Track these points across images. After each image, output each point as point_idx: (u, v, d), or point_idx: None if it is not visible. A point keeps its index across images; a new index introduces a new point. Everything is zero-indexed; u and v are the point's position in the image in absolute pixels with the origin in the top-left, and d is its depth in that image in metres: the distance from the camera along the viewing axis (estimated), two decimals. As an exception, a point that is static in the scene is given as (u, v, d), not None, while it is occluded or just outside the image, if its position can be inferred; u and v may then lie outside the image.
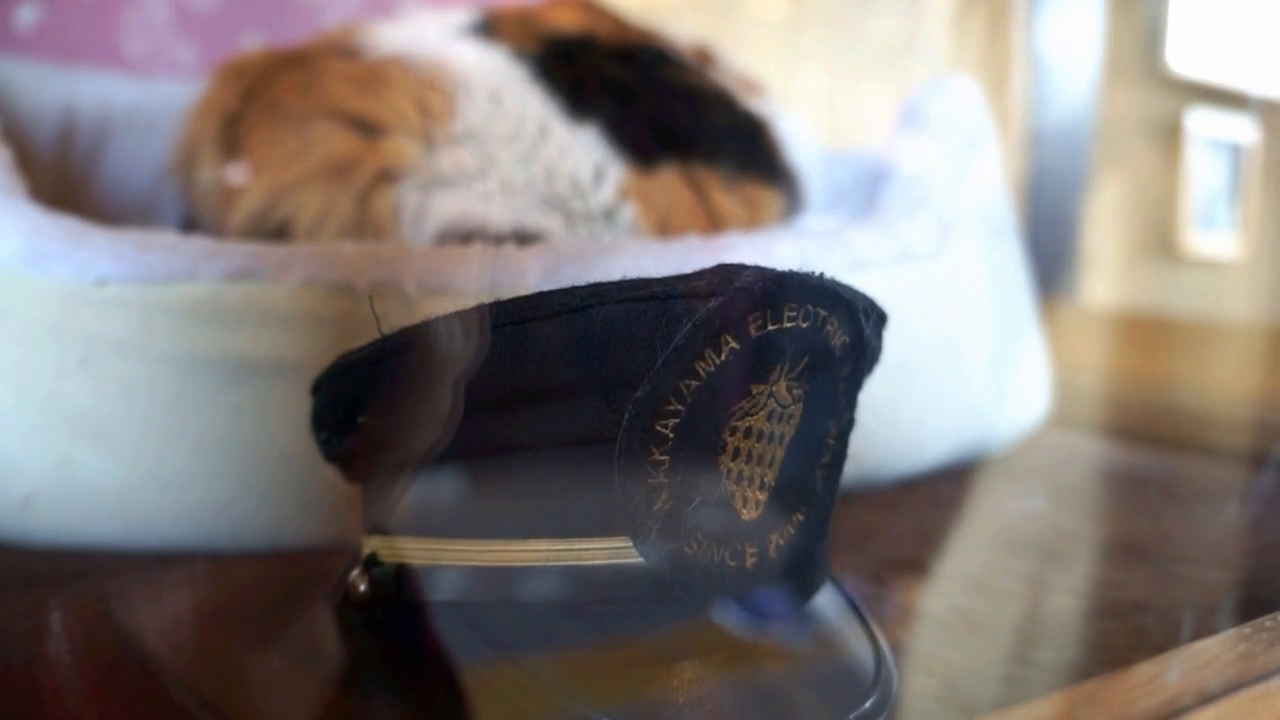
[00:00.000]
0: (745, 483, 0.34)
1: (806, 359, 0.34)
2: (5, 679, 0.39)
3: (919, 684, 0.39)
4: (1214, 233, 1.98)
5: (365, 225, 0.67)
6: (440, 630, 0.36)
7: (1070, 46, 1.72)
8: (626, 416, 0.32)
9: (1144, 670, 0.35)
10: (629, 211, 0.72)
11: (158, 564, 0.52)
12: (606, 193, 0.72)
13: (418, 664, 0.39)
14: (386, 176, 0.68)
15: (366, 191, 0.68)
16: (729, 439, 0.33)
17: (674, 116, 0.77)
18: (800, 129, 0.88)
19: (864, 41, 1.57)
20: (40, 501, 0.53)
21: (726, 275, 0.32)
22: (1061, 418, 0.93)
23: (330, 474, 0.44)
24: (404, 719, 0.37)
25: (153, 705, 0.37)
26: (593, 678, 0.34)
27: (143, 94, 0.91)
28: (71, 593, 0.48)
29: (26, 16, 0.98)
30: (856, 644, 0.38)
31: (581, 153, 0.72)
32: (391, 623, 0.39)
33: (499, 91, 0.73)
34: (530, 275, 0.55)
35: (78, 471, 0.52)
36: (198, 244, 0.54)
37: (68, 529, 0.53)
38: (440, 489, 0.36)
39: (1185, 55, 1.87)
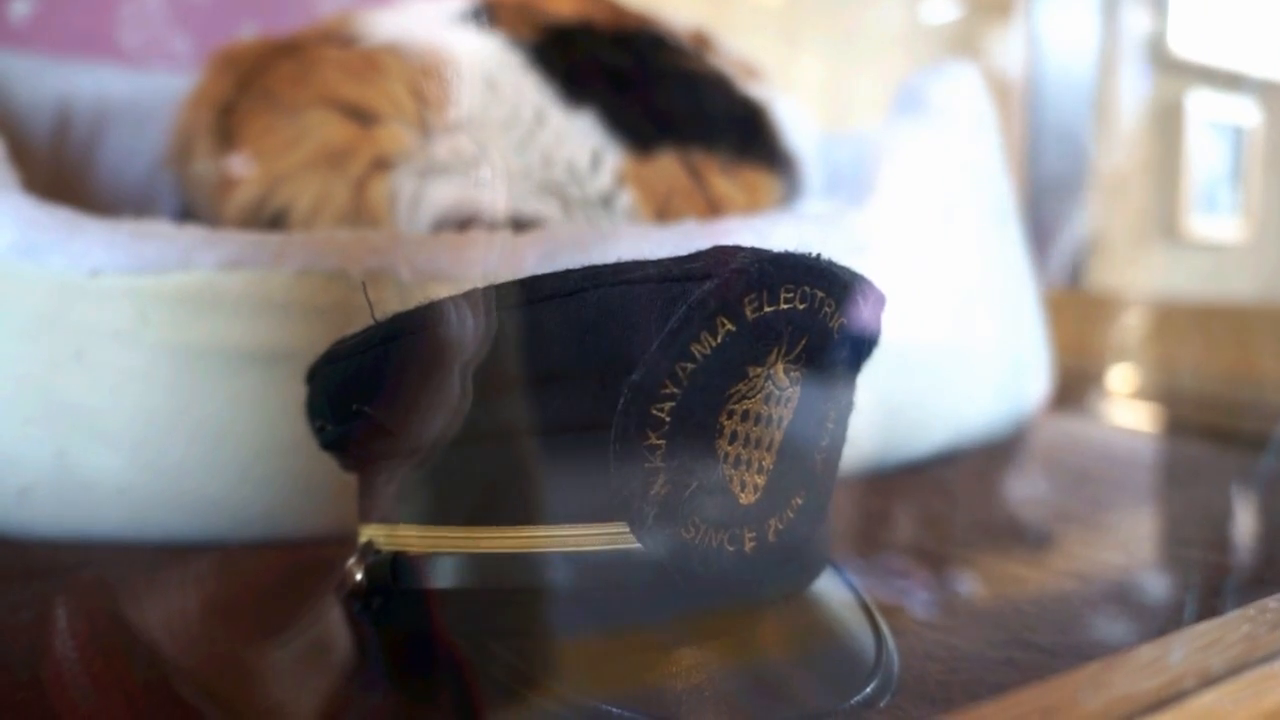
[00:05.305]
0: (743, 467, 0.34)
1: (804, 341, 0.33)
2: (6, 671, 0.39)
3: (920, 668, 0.39)
4: (1216, 216, 1.98)
5: (361, 213, 0.67)
6: (438, 618, 0.36)
7: (1071, 30, 1.71)
8: (622, 400, 0.32)
9: (1147, 652, 0.34)
10: (627, 197, 0.72)
11: (157, 555, 0.52)
12: (604, 179, 0.72)
13: (415, 652, 0.39)
14: (382, 164, 0.68)
15: (362, 179, 0.67)
16: (726, 423, 0.33)
17: (672, 102, 0.76)
18: (799, 112, 0.88)
19: (863, 25, 1.56)
20: (38, 493, 0.53)
21: (722, 257, 0.32)
22: (1063, 401, 0.92)
23: (328, 463, 0.44)
24: (402, 707, 0.37)
25: (154, 695, 0.37)
26: (592, 664, 0.34)
27: (138, 85, 0.91)
28: (71, 584, 0.48)
29: (21, 9, 0.97)
30: (857, 629, 0.38)
31: (578, 139, 0.72)
32: (388, 611, 0.38)
33: (494, 78, 0.72)
34: (527, 262, 0.55)
35: (75, 463, 0.52)
36: (193, 233, 0.54)
37: (66, 521, 0.53)
38: (437, 476, 0.36)
39: (1187, 38, 1.86)
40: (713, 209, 0.73)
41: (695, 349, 0.31)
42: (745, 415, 0.33)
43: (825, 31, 1.53)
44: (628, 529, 0.33)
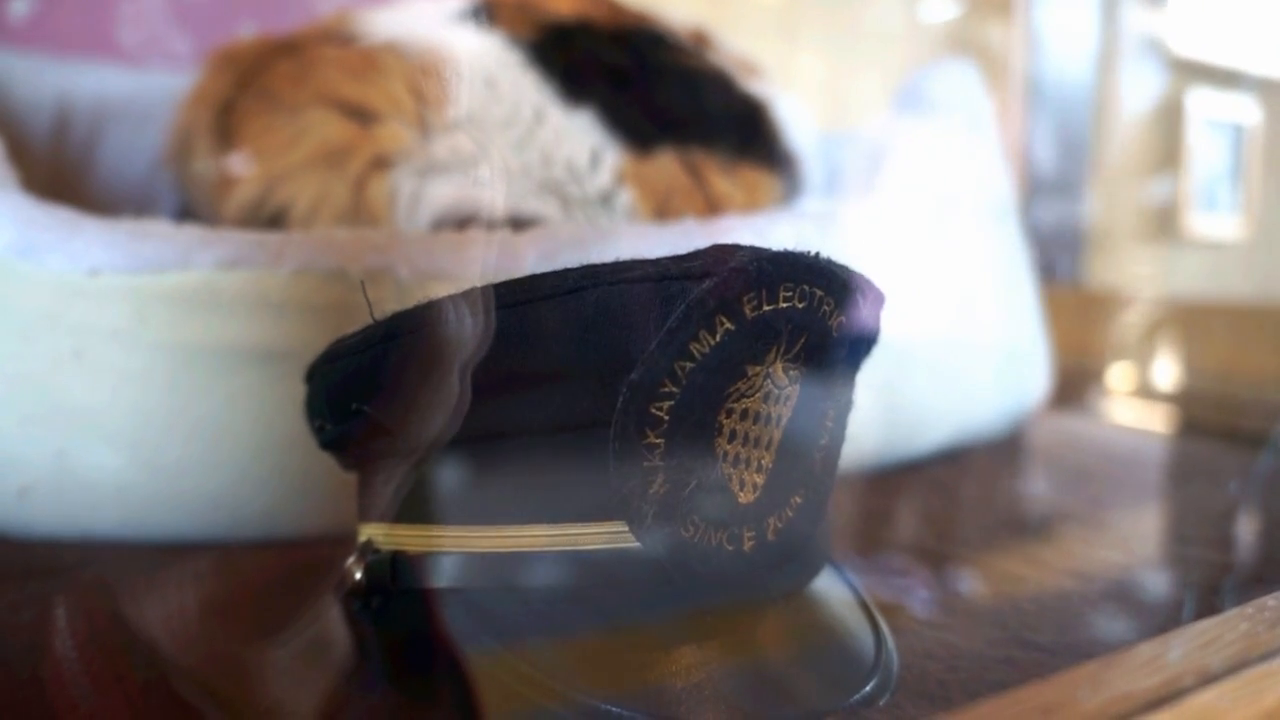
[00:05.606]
0: (742, 465, 0.34)
1: (803, 340, 0.33)
2: (5, 670, 0.39)
3: (920, 667, 0.39)
4: (1216, 213, 1.97)
5: (361, 212, 0.67)
6: (438, 617, 0.36)
7: (1071, 27, 1.71)
8: (621, 399, 0.32)
9: (1145, 650, 0.34)
10: (626, 196, 0.72)
11: (156, 554, 0.52)
12: (603, 177, 0.72)
13: (415, 651, 0.39)
14: (381, 163, 0.68)
15: (362, 178, 0.67)
16: (725, 421, 0.33)
17: (671, 100, 0.76)
18: (799, 110, 0.88)
19: (862, 24, 1.56)
20: (37, 493, 0.53)
21: (721, 255, 0.32)
22: (1062, 399, 0.92)
23: (327, 462, 0.44)
24: (402, 706, 0.37)
25: (154, 695, 0.37)
26: (592, 663, 0.34)
27: (138, 84, 0.91)
28: (71, 583, 0.48)
29: (21, 8, 0.97)
30: (857, 627, 0.38)
31: (578, 137, 0.72)
32: (387, 610, 0.38)
33: (494, 77, 0.72)
34: (526, 260, 0.55)
35: (74, 462, 0.52)
36: (191, 233, 0.54)
37: (65, 520, 0.53)
38: (436, 475, 0.36)
39: (1187, 35, 1.86)
40: (712, 208, 0.73)
41: (694, 348, 0.31)
42: (744, 414, 0.33)
43: (825, 30, 1.53)
44: (627, 528, 0.33)
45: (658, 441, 0.32)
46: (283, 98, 0.70)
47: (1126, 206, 1.91)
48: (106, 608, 0.46)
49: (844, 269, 0.35)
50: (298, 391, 0.42)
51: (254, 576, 0.50)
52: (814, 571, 0.38)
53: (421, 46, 0.73)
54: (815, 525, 0.37)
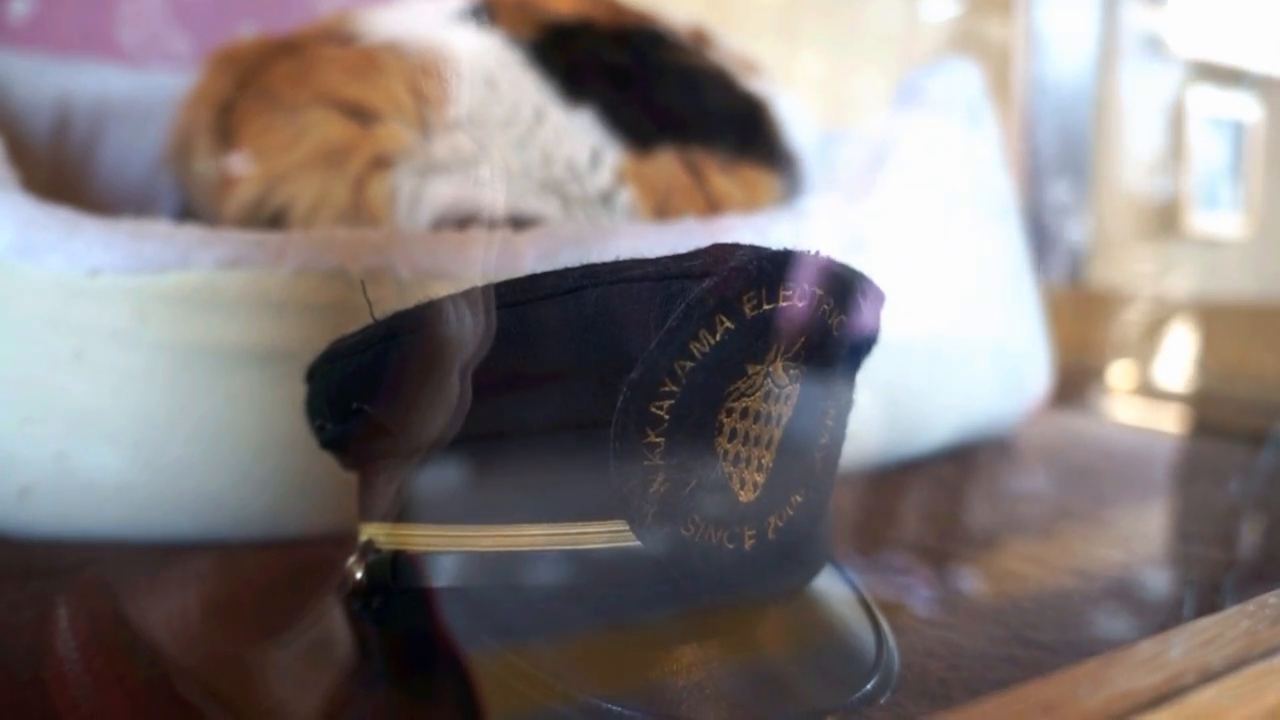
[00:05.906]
0: (743, 464, 0.34)
1: (804, 339, 0.33)
2: (6, 670, 0.39)
3: (921, 665, 0.39)
4: (1217, 212, 1.97)
5: (361, 212, 0.67)
6: (438, 616, 0.36)
7: (1071, 26, 1.71)
8: (621, 398, 0.32)
9: (1147, 648, 0.34)
10: (626, 195, 0.72)
11: (157, 554, 0.52)
12: (603, 176, 0.72)
13: (416, 651, 0.39)
14: (381, 163, 0.68)
15: (362, 178, 0.67)
16: (725, 420, 0.33)
17: (671, 99, 0.76)
18: (799, 109, 0.88)
19: (863, 22, 1.56)
20: (38, 493, 0.53)
21: (721, 254, 0.32)
22: (1063, 398, 0.92)
23: (328, 461, 0.44)
24: (403, 706, 0.37)
25: (155, 694, 0.37)
26: (592, 662, 0.34)
27: (138, 84, 0.91)
28: (72, 583, 0.48)
29: (21, 8, 0.97)
30: (858, 626, 0.38)
31: (578, 136, 0.72)
32: (388, 610, 0.38)
33: (494, 76, 0.72)
34: (526, 260, 0.55)
35: (75, 463, 0.52)
36: (191, 233, 0.54)
37: (66, 520, 0.53)
38: (437, 474, 0.36)
39: (1187, 33, 1.86)
40: (712, 207, 0.73)
41: (694, 347, 0.31)
42: (744, 413, 0.33)
43: (825, 29, 1.53)
44: (627, 527, 0.33)
45: (658, 440, 0.32)
46: (283, 98, 0.70)
47: (1127, 204, 1.91)
48: (108, 608, 0.46)
49: (844, 268, 0.35)
50: (298, 391, 0.42)
51: (255, 576, 0.50)
52: (815, 570, 0.38)
53: (421, 46, 0.73)
54: (816, 524, 0.37)
